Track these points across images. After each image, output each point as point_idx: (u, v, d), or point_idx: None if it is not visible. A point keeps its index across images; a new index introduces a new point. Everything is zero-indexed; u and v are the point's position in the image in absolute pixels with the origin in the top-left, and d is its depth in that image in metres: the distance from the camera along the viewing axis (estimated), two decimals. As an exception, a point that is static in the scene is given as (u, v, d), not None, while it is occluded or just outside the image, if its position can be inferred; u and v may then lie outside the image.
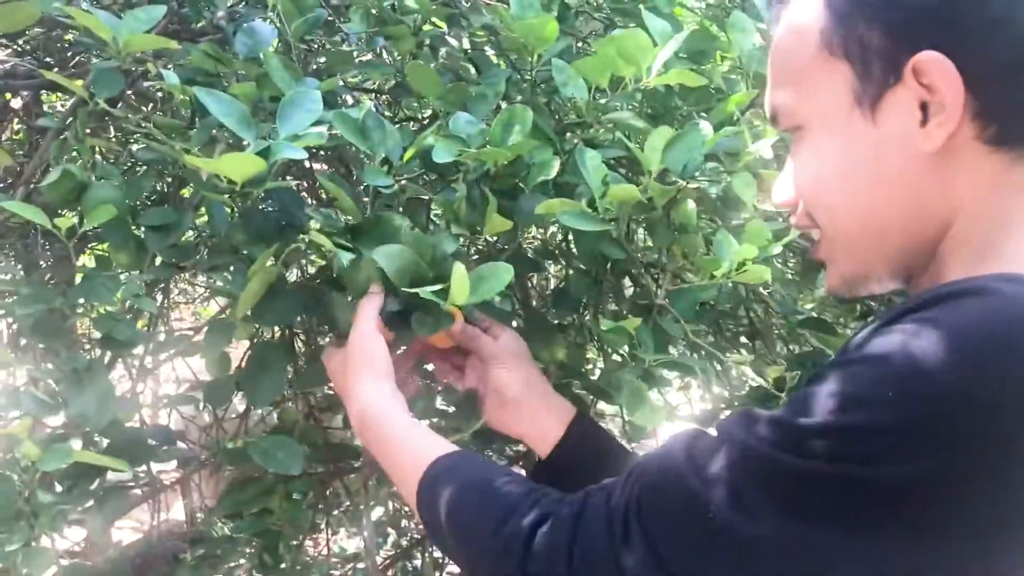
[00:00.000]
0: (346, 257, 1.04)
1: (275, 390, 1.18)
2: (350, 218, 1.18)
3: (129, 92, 1.47)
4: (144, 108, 1.61)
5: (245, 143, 1.05)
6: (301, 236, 1.12)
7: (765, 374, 1.31)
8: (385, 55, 1.75)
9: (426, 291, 1.02)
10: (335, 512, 1.95)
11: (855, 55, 0.78)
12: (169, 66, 1.25)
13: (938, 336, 0.64)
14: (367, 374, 1.06)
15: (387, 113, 1.80)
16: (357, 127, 1.17)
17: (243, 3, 1.53)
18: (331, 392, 1.58)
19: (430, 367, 1.29)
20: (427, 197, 1.27)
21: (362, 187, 1.36)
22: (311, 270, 1.47)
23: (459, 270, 1.00)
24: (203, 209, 1.57)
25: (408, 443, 1.00)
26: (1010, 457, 0.62)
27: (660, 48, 1.18)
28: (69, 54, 1.75)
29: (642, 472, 0.77)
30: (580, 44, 1.64)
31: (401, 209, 1.24)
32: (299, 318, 1.42)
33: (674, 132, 1.17)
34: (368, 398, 1.04)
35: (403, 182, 1.19)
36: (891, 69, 0.76)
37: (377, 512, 2.37)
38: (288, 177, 1.60)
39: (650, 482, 0.75)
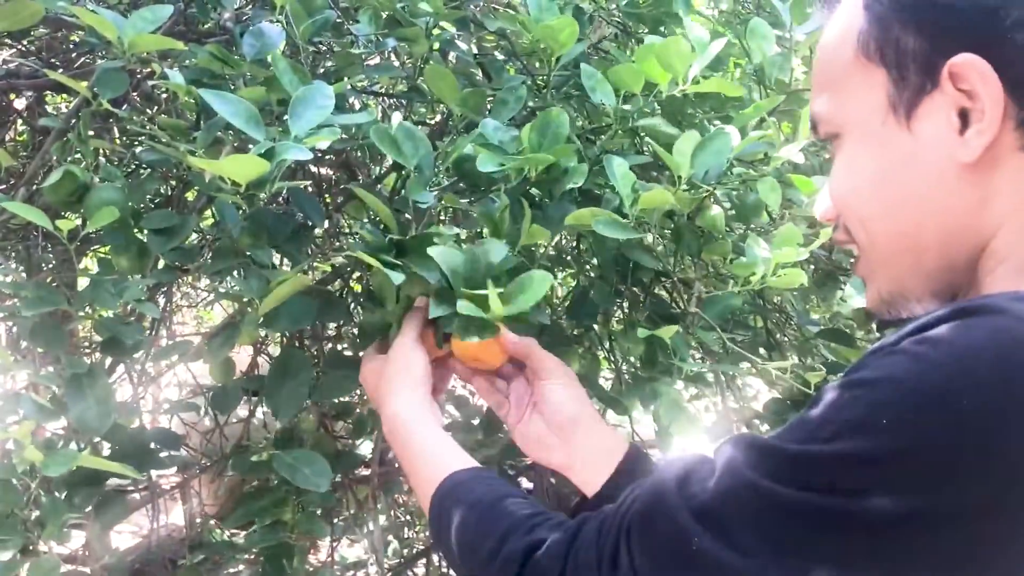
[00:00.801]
0: (397, 278, 1.02)
1: (299, 399, 1.15)
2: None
3: (134, 94, 1.45)
4: (149, 110, 1.59)
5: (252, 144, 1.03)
6: (346, 252, 1.09)
7: (780, 383, 1.28)
8: (394, 58, 1.73)
9: (473, 293, 1.00)
10: (338, 520, 1.92)
11: (891, 60, 0.74)
12: (175, 67, 1.23)
13: (938, 360, 0.61)
14: (404, 381, 1.05)
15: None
16: (392, 139, 1.15)
17: (251, 5, 1.51)
18: (339, 400, 1.56)
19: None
20: (463, 208, 1.24)
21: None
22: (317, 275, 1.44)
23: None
24: (208, 212, 1.55)
25: (428, 453, 0.99)
26: (1011, 488, 0.58)
27: (698, 56, 1.15)
28: (74, 55, 1.73)
29: (635, 499, 0.75)
30: (590, 50, 1.62)
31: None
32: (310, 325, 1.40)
33: (701, 138, 1.14)
34: (400, 404, 1.04)
35: (443, 195, 1.18)
36: (927, 74, 0.72)
37: (380, 520, 2.35)
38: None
39: (641, 510, 0.74)
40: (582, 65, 1.20)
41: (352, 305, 1.64)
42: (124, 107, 1.39)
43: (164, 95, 1.57)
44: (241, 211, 1.20)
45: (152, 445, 1.24)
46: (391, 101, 1.86)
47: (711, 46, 1.14)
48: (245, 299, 1.16)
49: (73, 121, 1.27)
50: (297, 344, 1.48)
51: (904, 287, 0.78)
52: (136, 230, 1.22)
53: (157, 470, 1.31)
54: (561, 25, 1.19)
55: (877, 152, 0.76)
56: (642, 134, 1.24)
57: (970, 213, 0.73)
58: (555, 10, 1.26)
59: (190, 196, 1.72)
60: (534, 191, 1.20)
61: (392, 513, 2.37)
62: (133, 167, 1.69)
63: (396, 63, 1.69)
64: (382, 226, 1.20)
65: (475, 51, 1.70)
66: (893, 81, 0.74)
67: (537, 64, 1.46)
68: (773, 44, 1.30)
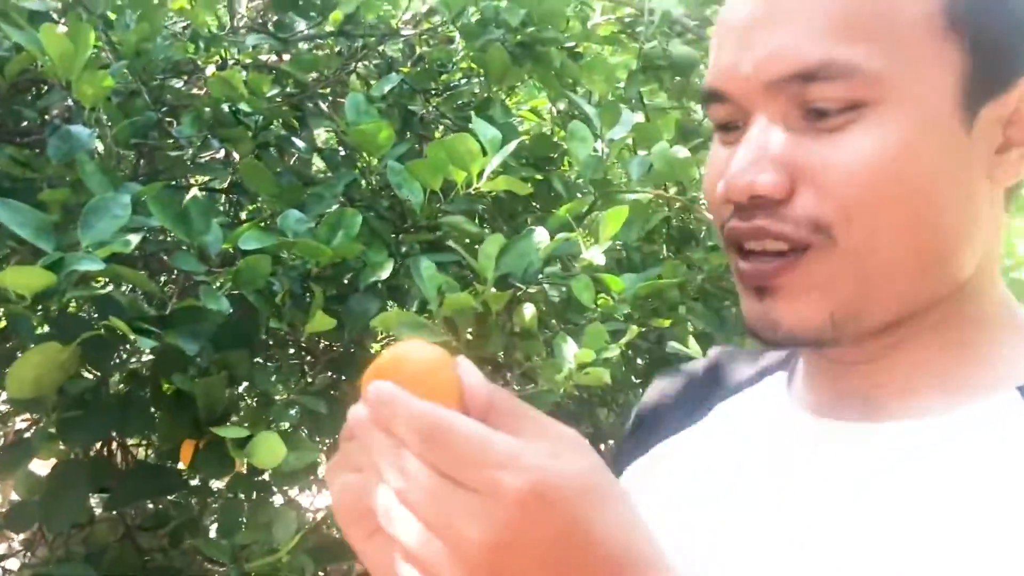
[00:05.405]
0: (147, 343, 1.00)
1: (76, 512, 1.10)
2: None
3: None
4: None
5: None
6: (104, 323, 1.06)
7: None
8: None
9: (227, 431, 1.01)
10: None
11: (983, 41, 0.58)
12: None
13: None
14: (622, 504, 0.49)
15: (228, 213, 1.76)
16: (175, 212, 1.13)
17: (68, 109, 1.47)
18: (153, 508, 1.47)
19: None
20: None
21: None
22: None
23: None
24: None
25: None
26: None
27: (491, 155, 1.19)
28: None
29: None
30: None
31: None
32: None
33: (507, 239, 1.17)
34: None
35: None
36: (1013, 73, 0.59)
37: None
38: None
39: None
40: (389, 163, 1.22)
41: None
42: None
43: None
44: (46, 321, 1.15)
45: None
46: (231, 197, 1.84)
47: (506, 146, 1.17)
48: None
49: None
50: (106, 453, 1.41)
51: (867, 311, 0.59)
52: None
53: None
54: (375, 129, 1.21)
55: (930, 145, 0.58)
56: (459, 234, 1.26)
57: (967, 247, 0.60)
58: (374, 113, 1.27)
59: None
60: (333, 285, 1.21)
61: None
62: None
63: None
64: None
65: (321, 146, 1.70)
66: (975, 66, 0.58)
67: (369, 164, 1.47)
68: (590, 146, 1.34)
